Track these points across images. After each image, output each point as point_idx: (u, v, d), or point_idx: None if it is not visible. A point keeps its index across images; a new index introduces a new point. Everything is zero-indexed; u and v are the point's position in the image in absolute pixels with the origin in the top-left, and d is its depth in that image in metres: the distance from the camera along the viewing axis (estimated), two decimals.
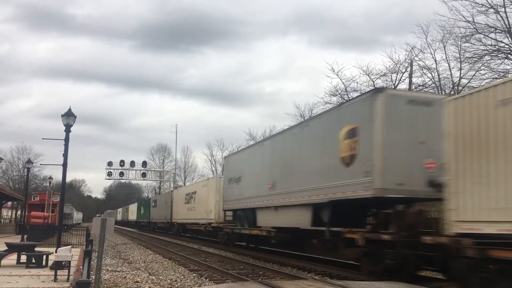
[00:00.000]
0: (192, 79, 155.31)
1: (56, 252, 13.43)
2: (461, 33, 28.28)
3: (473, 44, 27.97)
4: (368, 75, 36.14)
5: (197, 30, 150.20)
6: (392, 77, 35.46)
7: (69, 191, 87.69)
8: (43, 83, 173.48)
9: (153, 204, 56.47)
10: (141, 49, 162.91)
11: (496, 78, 25.34)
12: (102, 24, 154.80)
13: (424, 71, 33.06)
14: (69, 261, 12.11)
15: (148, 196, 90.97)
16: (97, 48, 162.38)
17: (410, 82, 33.95)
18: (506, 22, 26.11)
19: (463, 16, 27.09)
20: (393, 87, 35.56)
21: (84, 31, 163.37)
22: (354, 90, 36.91)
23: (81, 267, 12.34)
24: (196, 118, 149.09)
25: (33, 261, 14.04)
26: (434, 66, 32.34)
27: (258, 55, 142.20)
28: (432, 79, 32.71)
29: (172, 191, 49.12)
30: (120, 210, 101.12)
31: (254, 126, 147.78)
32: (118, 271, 15.27)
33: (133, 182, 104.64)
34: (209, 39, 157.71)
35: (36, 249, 15.57)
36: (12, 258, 14.93)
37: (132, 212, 76.49)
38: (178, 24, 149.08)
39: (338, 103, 32.66)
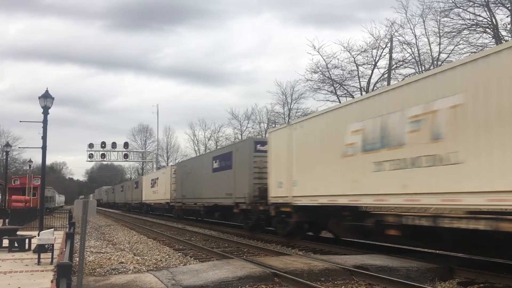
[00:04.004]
0: (168, 59, 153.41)
1: (38, 235, 13.32)
2: (440, 7, 28.50)
3: (452, 18, 28.25)
4: (348, 52, 36.21)
5: (169, 8, 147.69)
6: (373, 53, 35.58)
7: (50, 174, 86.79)
8: (15, 65, 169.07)
9: None
10: (113, 29, 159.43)
11: (475, 51, 25.59)
12: (71, 3, 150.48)
13: (404, 47, 33.25)
14: (52, 244, 12.04)
15: (130, 177, 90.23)
16: (68, 28, 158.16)
17: (390, 58, 34.12)
18: None
19: None
20: (373, 63, 35.80)
21: (54, 11, 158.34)
22: (335, 67, 37.01)
23: (64, 249, 12.28)
24: (175, 98, 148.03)
25: (16, 245, 13.93)
26: (414, 41, 32.52)
27: (233, 34, 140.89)
28: (412, 54, 32.91)
29: None
30: (145, 180, 47.95)
31: (234, 105, 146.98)
32: (102, 253, 15.24)
33: (115, 163, 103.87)
34: (181, 17, 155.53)
35: (18, 233, 15.43)
36: None
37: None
38: (149, 3, 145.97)
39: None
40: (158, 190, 41.31)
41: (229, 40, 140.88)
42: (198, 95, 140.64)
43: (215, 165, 25.51)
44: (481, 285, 9.15)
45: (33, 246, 13.56)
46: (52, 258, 11.57)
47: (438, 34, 30.20)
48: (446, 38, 29.64)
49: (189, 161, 35.11)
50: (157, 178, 42.11)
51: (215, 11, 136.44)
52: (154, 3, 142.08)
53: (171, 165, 42.37)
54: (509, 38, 26.40)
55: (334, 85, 37.88)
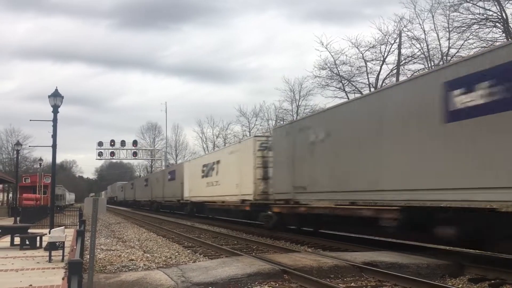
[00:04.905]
0: (174, 57, 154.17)
1: (49, 233, 13.43)
2: (449, 2, 28.20)
3: (462, 13, 27.95)
4: (357, 48, 36.02)
5: (174, 6, 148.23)
6: (381, 49, 35.38)
7: (60, 172, 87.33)
8: (23, 64, 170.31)
9: None
10: (120, 28, 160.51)
11: (485, 46, 25.35)
12: (78, 2, 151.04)
13: (413, 42, 33.00)
14: (63, 242, 12.12)
15: (140, 175, 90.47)
16: (75, 27, 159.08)
17: (399, 54, 33.89)
18: None
19: None
20: (382, 59, 35.61)
21: (60, 10, 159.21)
22: (344, 63, 36.84)
23: (75, 247, 12.37)
24: (181, 96, 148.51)
25: (27, 242, 14.06)
26: (423, 36, 32.27)
27: (239, 32, 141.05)
28: (421, 50, 32.67)
29: None
30: (190, 167, 35.18)
31: (241, 102, 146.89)
32: (112, 250, 15.35)
33: (125, 161, 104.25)
34: (187, 16, 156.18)
35: (30, 230, 15.57)
36: (5, 241, 14.97)
37: None
38: (155, 1, 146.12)
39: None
40: (220, 180, 26.26)
41: (235, 37, 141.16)
42: (205, 93, 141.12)
43: (469, 99, 9.54)
44: (492, 281, 9.09)
45: (44, 244, 13.68)
46: (63, 255, 11.65)
47: (447, 29, 29.95)
48: (456, 33, 29.36)
49: (320, 117, 16.99)
50: (217, 162, 26.94)
51: (221, 9, 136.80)
52: (160, 1, 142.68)
53: (255, 136, 23.43)
54: None
55: (343, 81, 37.72)
